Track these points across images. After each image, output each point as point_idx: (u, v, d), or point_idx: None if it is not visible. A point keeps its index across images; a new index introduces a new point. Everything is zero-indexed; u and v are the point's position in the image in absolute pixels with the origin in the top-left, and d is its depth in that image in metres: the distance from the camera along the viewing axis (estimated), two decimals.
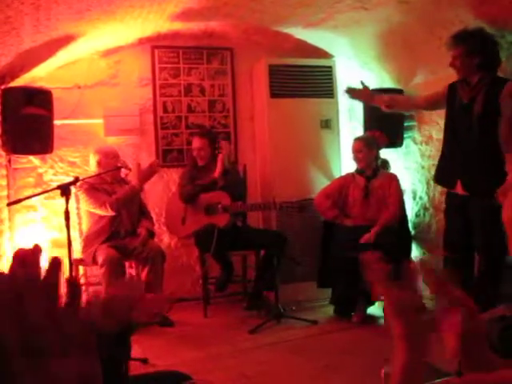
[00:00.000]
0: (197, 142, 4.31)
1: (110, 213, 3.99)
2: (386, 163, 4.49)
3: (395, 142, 4.61)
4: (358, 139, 4.24)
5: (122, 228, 4.10)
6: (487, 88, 3.13)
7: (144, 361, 3.13)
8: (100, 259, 3.82)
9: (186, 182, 4.26)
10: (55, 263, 0.64)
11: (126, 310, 1.09)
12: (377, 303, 3.95)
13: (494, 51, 3.16)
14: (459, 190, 3.26)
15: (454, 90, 3.32)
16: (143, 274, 3.99)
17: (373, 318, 3.97)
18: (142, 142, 4.76)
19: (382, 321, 3.89)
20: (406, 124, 4.66)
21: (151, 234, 4.19)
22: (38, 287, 0.61)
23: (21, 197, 3.82)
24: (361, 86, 3.70)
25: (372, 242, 3.88)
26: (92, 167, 4.20)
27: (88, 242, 4.05)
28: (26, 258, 0.63)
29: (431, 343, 0.87)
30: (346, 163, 4.74)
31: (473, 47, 3.12)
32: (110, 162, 4.08)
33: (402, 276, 0.92)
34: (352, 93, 3.78)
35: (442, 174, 3.46)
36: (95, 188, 4.06)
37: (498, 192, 2.89)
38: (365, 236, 3.93)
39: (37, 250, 0.64)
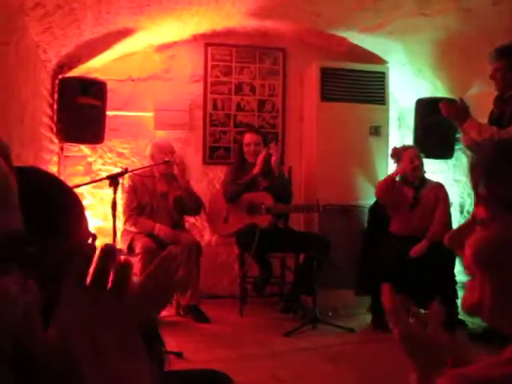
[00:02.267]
0: (251, 137, 4.29)
1: (126, 226, 4.04)
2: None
3: (445, 152, 4.50)
4: (410, 148, 4.14)
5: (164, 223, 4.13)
6: None
7: (178, 354, 3.15)
8: (137, 248, 3.86)
9: (231, 181, 4.28)
10: (109, 251, 0.64)
11: (163, 299, 1.08)
12: None
13: None
14: None
15: (492, 111, 3.44)
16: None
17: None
18: (191, 138, 4.81)
19: None
20: (457, 135, 4.54)
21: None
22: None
23: (71, 184, 3.92)
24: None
25: (421, 255, 3.81)
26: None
27: (125, 229, 4.11)
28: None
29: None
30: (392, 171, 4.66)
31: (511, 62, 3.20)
32: (164, 158, 4.03)
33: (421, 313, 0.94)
34: (447, 108, 3.46)
35: None
36: (135, 187, 4.10)
37: None
38: (415, 249, 3.85)
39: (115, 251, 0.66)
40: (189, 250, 3.94)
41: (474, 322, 3.75)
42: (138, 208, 4.10)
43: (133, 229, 4.06)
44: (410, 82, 4.83)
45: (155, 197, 4.18)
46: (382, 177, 4.68)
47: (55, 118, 4.11)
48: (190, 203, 4.16)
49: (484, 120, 3.41)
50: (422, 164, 4.07)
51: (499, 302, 0.76)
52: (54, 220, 0.90)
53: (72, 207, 0.95)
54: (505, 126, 3.21)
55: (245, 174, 4.26)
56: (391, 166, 4.67)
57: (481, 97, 4.02)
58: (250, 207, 4.17)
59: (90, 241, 0.98)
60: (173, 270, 1.01)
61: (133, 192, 4.11)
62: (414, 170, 4.08)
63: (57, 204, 0.92)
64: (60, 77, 4.10)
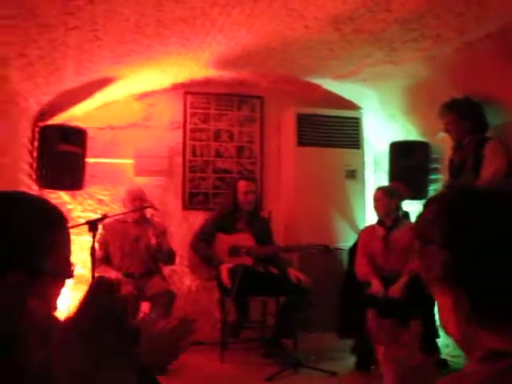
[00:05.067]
0: (247, 186, 4.31)
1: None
2: (407, 215, 4.48)
3: (419, 193, 4.61)
4: (379, 188, 4.26)
5: (136, 270, 4.14)
6: (474, 149, 3.53)
7: None
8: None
9: (207, 228, 4.29)
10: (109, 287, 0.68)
11: (173, 351, 1.14)
12: None
13: (480, 115, 3.60)
14: None
15: (451, 158, 3.82)
16: (147, 312, 3.99)
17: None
18: (170, 184, 4.86)
19: None
20: (431, 176, 4.68)
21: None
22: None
23: None
24: None
25: (399, 295, 3.83)
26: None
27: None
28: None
29: None
30: (370, 214, 4.75)
31: (462, 113, 3.59)
32: (134, 205, 4.16)
33: (403, 335, 0.99)
34: None
35: None
36: (105, 235, 4.15)
37: None
38: (392, 289, 3.87)
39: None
40: (158, 298, 3.95)
41: (457, 362, 3.75)
42: (104, 259, 4.16)
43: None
44: (383, 126, 4.99)
45: (127, 241, 4.20)
46: (359, 219, 4.77)
47: (35, 165, 4.14)
48: (162, 256, 4.20)
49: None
50: (391, 205, 4.14)
51: (452, 324, 0.81)
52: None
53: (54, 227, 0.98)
54: (468, 171, 3.43)
55: (231, 222, 4.27)
56: (369, 209, 4.77)
57: (449, 140, 4.18)
58: (232, 250, 4.18)
59: (72, 269, 1.01)
60: (189, 330, 1.09)
61: (102, 243, 4.16)
62: (377, 210, 4.17)
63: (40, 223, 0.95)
64: (41, 124, 4.16)
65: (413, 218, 4.53)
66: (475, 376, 0.70)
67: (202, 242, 4.25)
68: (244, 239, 4.18)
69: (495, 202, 0.79)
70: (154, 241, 4.13)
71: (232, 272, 3.99)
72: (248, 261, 4.10)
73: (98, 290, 0.69)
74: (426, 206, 0.86)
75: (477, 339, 0.77)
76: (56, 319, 0.91)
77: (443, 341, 4.33)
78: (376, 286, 3.90)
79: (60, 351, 0.66)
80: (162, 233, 4.21)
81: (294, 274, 4.10)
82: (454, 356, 3.92)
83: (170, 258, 4.24)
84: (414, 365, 0.95)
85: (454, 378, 0.73)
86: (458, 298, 0.79)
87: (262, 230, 4.30)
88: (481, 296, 0.76)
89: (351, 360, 4.03)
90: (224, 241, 4.23)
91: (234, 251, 4.16)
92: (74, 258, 3.87)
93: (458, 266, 0.77)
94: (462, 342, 0.81)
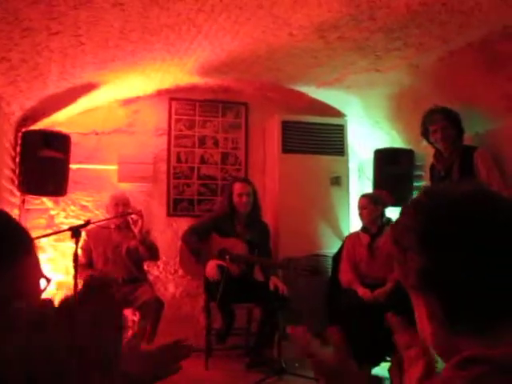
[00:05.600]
0: (242, 188, 4.27)
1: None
2: (390, 222, 4.50)
3: (403, 201, 4.63)
4: (363, 196, 4.29)
5: (119, 276, 4.12)
6: (460, 158, 3.57)
7: None
8: None
9: (203, 225, 4.27)
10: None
11: (161, 372, 1.16)
12: (382, 364, 3.86)
13: (460, 124, 3.66)
14: None
15: (433, 167, 3.85)
16: (136, 322, 3.96)
17: (379, 380, 3.87)
18: (154, 190, 4.84)
19: (387, 382, 3.79)
20: (415, 184, 4.71)
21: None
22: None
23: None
24: None
25: (383, 302, 3.84)
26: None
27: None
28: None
29: None
30: (354, 220, 4.77)
31: (452, 121, 3.64)
32: (117, 210, 4.17)
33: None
34: None
35: None
36: (88, 241, 4.14)
37: None
38: (379, 290, 3.89)
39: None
40: (146, 308, 3.93)
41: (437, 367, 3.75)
42: (87, 264, 4.15)
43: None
44: (367, 133, 5.02)
45: (109, 247, 4.19)
46: (344, 226, 4.78)
47: (17, 170, 4.09)
48: (144, 250, 4.15)
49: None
50: (376, 212, 4.17)
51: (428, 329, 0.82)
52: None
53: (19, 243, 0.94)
54: (454, 180, 3.46)
55: (229, 225, 4.25)
56: (354, 216, 4.79)
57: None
58: (220, 253, 4.15)
59: (43, 282, 0.98)
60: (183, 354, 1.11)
61: (85, 249, 4.14)
62: (362, 217, 4.19)
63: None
64: (23, 130, 4.12)
65: None
66: (451, 382, 0.70)
67: (195, 235, 4.22)
68: (235, 245, 4.16)
69: (471, 208, 0.79)
70: (133, 242, 4.12)
71: (219, 268, 3.96)
72: (233, 267, 4.08)
73: (94, 287, 0.68)
74: (402, 212, 0.86)
75: (452, 345, 0.77)
76: (48, 313, 0.88)
77: None
78: (362, 291, 3.91)
79: (57, 344, 0.65)
80: (146, 232, 4.18)
81: (273, 282, 4.09)
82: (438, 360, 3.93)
83: (153, 252, 4.20)
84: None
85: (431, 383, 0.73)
86: (431, 304, 0.79)
87: (259, 237, 4.28)
88: (454, 303, 0.77)
89: None
90: (217, 243, 4.21)
91: (222, 255, 4.12)
92: (56, 266, 3.82)
93: (431, 272, 0.78)
94: (438, 348, 0.82)
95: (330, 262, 4.52)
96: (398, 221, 0.87)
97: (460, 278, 0.75)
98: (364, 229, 4.24)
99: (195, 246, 4.19)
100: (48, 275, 0.99)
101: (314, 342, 0.97)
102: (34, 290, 0.91)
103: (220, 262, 4.01)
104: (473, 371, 0.69)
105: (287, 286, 4.18)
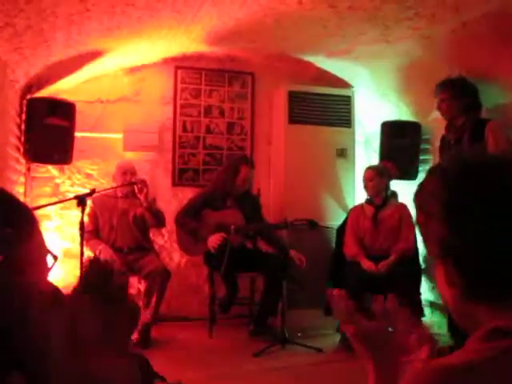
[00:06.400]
0: (249, 173, 4.28)
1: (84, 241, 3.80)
2: (394, 195, 4.50)
3: (410, 174, 4.62)
4: (369, 168, 4.27)
5: (124, 244, 4.14)
6: (472, 128, 3.53)
7: None
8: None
9: (195, 203, 4.26)
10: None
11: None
12: None
13: (474, 96, 3.59)
14: None
15: (444, 138, 3.83)
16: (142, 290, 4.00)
17: None
18: (160, 159, 4.83)
19: None
20: (421, 157, 4.68)
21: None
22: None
23: (36, 205, 3.87)
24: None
25: (385, 273, 3.88)
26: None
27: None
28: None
29: (400, 368, 0.92)
30: (359, 192, 4.76)
31: (457, 92, 3.55)
32: (124, 178, 4.16)
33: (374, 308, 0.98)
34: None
35: None
36: (94, 208, 4.15)
37: None
38: (383, 263, 3.92)
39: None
40: (153, 278, 3.95)
41: (443, 341, 3.79)
42: (95, 231, 4.16)
43: (88, 250, 4.02)
44: (375, 105, 4.97)
45: (115, 214, 4.20)
46: (349, 198, 4.78)
47: (23, 138, 4.08)
48: (150, 217, 4.15)
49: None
50: (381, 184, 4.16)
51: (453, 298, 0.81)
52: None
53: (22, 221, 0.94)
54: (465, 148, 3.45)
55: (220, 200, 4.24)
56: (359, 188, 4.78)
57: (442, 120, 4.17)
58: (219, 226, 4.16)
59: (49, 259, 0.98)
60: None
61: (92, 216, 4.16)
62: (368, 189, 4.19)
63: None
64: (28, 97, 4.08)
65: (400, 198, 4.55)
66: (478, 355, 0.70)
67: (187, 216, 4.22)
68: (232, 216, 4.16)
69: (495, 177, 0.78)
70: (140, 210, 4.12)
71: (220, 246, 3.98)
72: (237, 238, 4.09)
73: (93, 272, 0.68)
74: (429, 178, 0.85)
75: (473, 315, 0.78)
76: (55, 293, 0.89)
77: (427, 319, 4.41)
78: (366, 264, 3.94)
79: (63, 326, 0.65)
80: (152, 199, 4.15)
81: (296, 256, 4.10)
82: (437, 334, 3.99)
83: (159, 218, 4.19)
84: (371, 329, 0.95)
85: (457, 356, 0.73)
86: (450, 271, 0.79)
87: (251, 208, 4.29)
88: (472, 271, 0.77)
89: (336, 337, 4.09)
90: (211, 217, 4.21)
91: (220, 229, 4.12)
92: (62, 234, 3.85)
93: (451, 241, 0.77)
94: (458, 317, 0.82)
95: (333, 233, 4.53)
96: (423, 186, 0.86)
97: (482, 250, 0.75)
98: (368, 200, 4.24)
99: (191, 226, 4.18)
100: (54, 252, 0.99)
101: (352, 308, 0.96)
102: (42, 268, 0.92)
103: (222, 234, 4.03)
104: (500, 343, 0.69)
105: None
